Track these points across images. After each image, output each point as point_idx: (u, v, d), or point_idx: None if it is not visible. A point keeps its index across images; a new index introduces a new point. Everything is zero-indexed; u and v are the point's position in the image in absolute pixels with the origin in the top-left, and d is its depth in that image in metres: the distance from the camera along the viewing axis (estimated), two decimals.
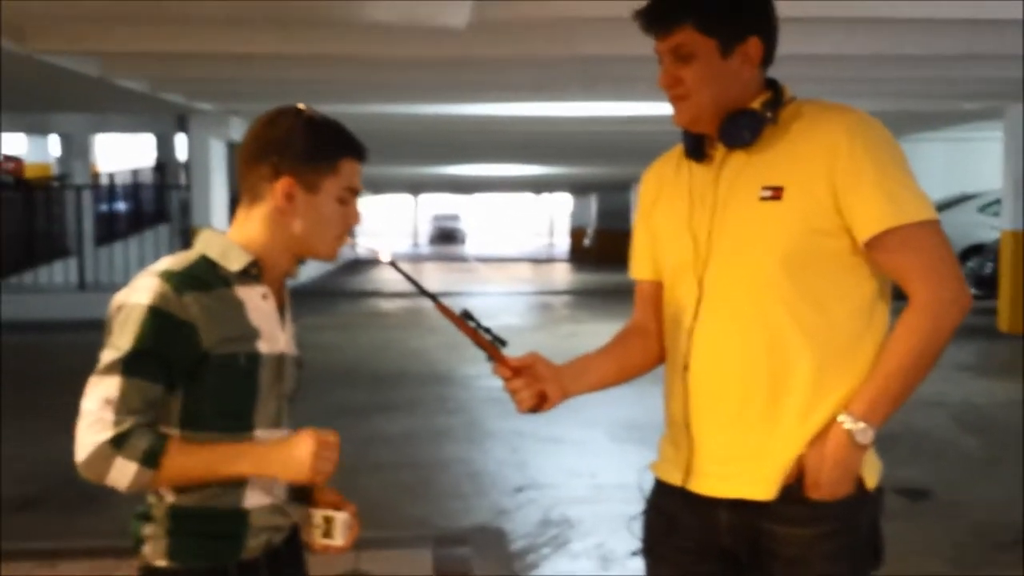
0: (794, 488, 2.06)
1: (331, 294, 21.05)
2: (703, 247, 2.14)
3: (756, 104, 2.12)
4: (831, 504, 2.05)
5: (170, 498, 2.00)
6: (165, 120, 17.18)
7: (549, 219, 58.50)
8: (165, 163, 20.42)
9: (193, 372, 1.95)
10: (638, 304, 2.38)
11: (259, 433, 2.03)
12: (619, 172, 28.12)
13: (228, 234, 2.08)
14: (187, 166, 16.99)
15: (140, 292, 1.94)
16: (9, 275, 16.04)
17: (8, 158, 21.50)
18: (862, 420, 2.01)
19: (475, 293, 20.78)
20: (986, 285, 14.39)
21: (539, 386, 2.18)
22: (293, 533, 2.16)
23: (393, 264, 2.24)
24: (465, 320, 2.13)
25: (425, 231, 56.14)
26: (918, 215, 2.02)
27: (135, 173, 20.79)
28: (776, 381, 2.07)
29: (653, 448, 2.32)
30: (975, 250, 15.62)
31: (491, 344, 2.15)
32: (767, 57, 2.15)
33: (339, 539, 2.15)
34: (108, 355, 1.93)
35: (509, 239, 59.12)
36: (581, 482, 6.41)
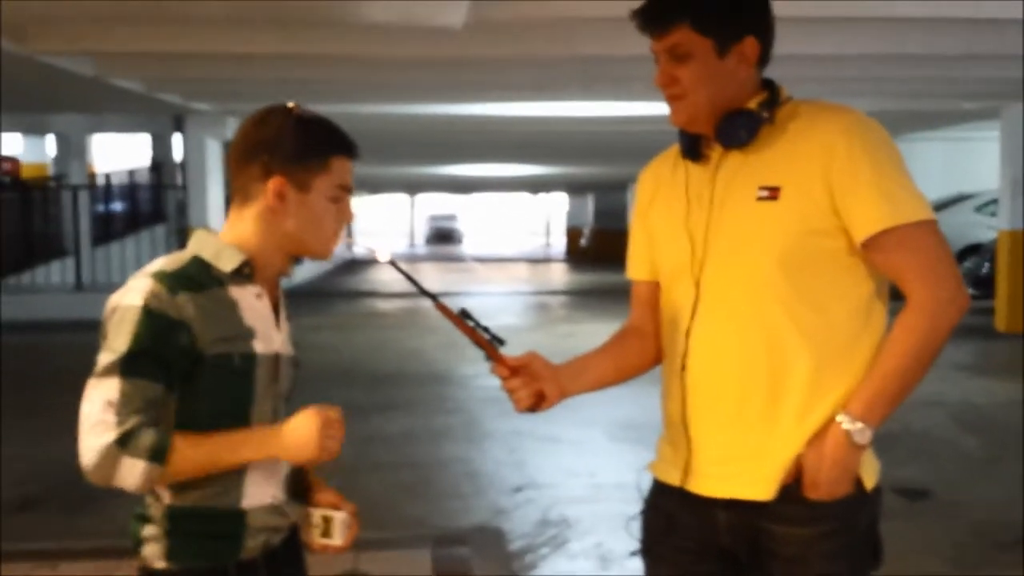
0: (793, 488, 2.06)
1: (328, 294, 21.04)
2: (700, 247, 2.14)
3: (753, 104, 2.12)
4: (830, 504, 2.05)
5: (168, 499, 2.00)
6: (162, 120, 17.19)
7: (546, 219, 58.49)
8: (162, 163, 20.40)
9: (188, 373, 1.94)
10: (635, 304, 2.38)
11: None
12: (616, 172, 28.13)
13: (221, 234, 2.08)
14: (184, 166, 16.98)
15: (134, 293, 1.94)
16: (6, 275, 16.03)
17: (5, 158, 21.47)
18: (860, 420, 2.01)
19: (472, 293, 20.77)
20: (983, 285, 14.40)
21: (537, 385, 2.18)
22: (292, 533, 2.16)
23: (392, 263, 2.24)
24: (463, 319, 2.13)
25: (422, 231, 56.13)
26: (915, 215, 2.02)
27: (132, 173, 20.78)
28: (774, 381, 2.07)
29: (651, 448, 2.32)
30: (972, 250, 15.63)
31: (489, 343, 2.15)
32: (763, 57, 2.15)
33: (338, 539, 2.15)
34: (105, 358, 1.92)
35: (506, 239, 59.14)
36: (579, 482, 6.41)
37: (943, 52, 9.70)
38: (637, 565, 2.32)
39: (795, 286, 2.06)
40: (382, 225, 58.13)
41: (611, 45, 8.66)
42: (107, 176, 20.69)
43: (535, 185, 43.39)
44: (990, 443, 7.49)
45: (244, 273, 2.03)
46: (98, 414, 1.89)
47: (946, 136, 18.62)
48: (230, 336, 1.99)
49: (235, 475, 2.01)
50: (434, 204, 58.14)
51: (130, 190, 20.30)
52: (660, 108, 2.28)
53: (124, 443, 1.88)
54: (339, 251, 36.10)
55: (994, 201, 15.48)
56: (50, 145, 21.81)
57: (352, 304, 18.98)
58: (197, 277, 1.99)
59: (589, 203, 39.90)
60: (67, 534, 5.39)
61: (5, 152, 22.01)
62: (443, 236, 52.88)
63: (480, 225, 62.63)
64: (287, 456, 1.98)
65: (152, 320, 1.91)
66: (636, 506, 2.32)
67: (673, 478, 2.20)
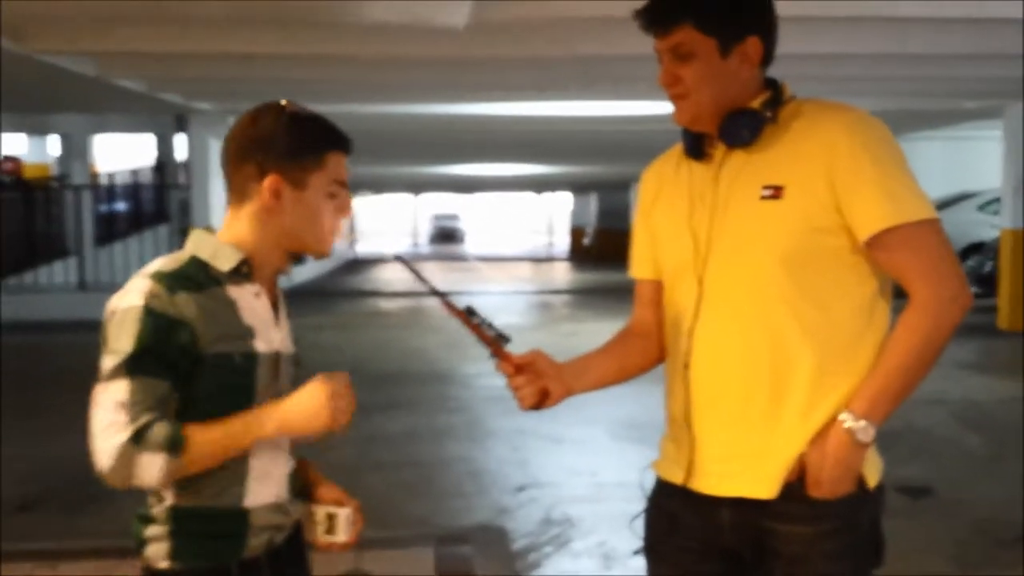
0: (795, 486, 2.06)
1: (331, 294, 21.06)
2: (703, 246, 2.14)
3: (756, 103, 2.12)
4: (832, 502, 2.05)
5: (171, 500, 1.99)
6: (164, 120, 17.19)
7: (549, 218, 58.47)
8: (164, 163, 20.42)
9: (189, 374, 1.94)
10: (638, 303, 2.38)
11: None
12: (619, 171, 28.13)
13: (218, 234, 2.07)
14: (186, 166, 17.01)
15: (133, 294, 1.94)
16: (9, 275, 16.05)
17: (7, 158, 21.50)
18: (863, 418, 2.01)
19: (475, 292, 20.78)
20: (986, 283, 14.39)
21: (541, 383, 2.19)
22: (295, 532, 2.16)
23: (400, 259, 2.24)
24: (469, 316, 2.13)
25: (425, 231, 56.13)
26: (918, 214, 2.02)
27: (135, 173, 20.80)
28: (777, 380, 2.07)
29: (654, 447, 2.32)
30: (975, 248, 15.63)
31: (494, 340, 2.15)
32: (767, 56, 2.15)
33: (342, 535, 2.15)
34: (109, 361, 1.91)
35: (509, 238, 59.14)
36: (582, 481, 6.41)
37: (945, 51, 9.71)
38: (640, 564, 2.32)
39: (798, 285, 2.06)
40: (385, 225, 58.11)
41: (612, 45, 8.67)
42: (110, 176, 20.70)
43: (538, 184, 43.40)
44: (992, 441, 7.49)
45: (242, 272, 2.03)
46: (109, 416, 1.88)
47: (948, 135, 18.61)
48: (230, 335, 1.99)
49: (237, 474, 2.01)
50: (437, 204, 58.13)
51: (133, 190, 20.32)
52: (662, 107, 2.29)
53: (138, 440, 1.87)
54: (342, 250, 36.16)
55: (996, 200, 15.47)
56: (53, 145, 21.84)
57: (355, 303, 18.99)
58: (195, 277, 1.98)
59: (592, 202, 39.90)
60: (68, 534, 5.40)
61: (8, 152, 22.04)
62: (446, 235, 52.89)
63: (483, 224, 62.63)
64: (300, 428, 1.97)
65: (153, 319, 1.91)
66: (639, 505, 2.32)
67: (676, 477, 2.20)
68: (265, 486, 2.05)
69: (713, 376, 2.13)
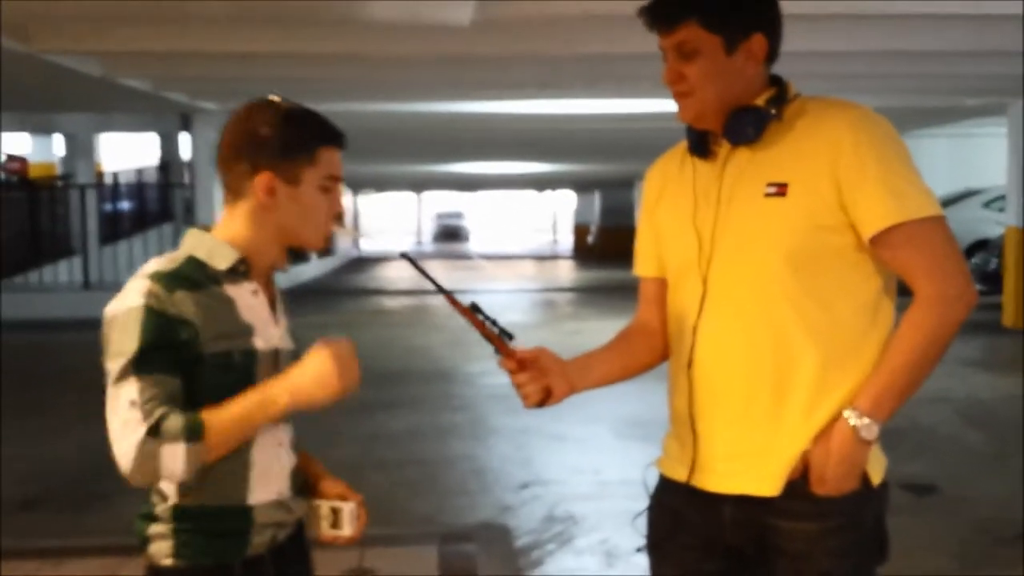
0: (799, 484, 2.06)
1: (335, 292, 21.08)
2: (707, 244, 2.14)
3: (760, 101, 2.11)
4: (836, 500, 2.05)
5: (174, 499, 1.99)
6: (169, 119, 17.22)
7: (553, 216, 58.49)
8: (169, 162, 20.45)
9: (190, 372, 1.93)
10: (642, 301, 2.38)
11: (261, 430, 2.01)
12: (622, 169, 28.12)
13: (214, 232, 2.07)
14: (191, 165, 17.03)
15: (131, 295, 1.93)
16: (14, 274, 16.09)
17: (13, 158, 21.54)
18: (867, 415, 2.01)
19: (479, 290, 20.77)
20: (991, 281, 14.36)
21: (545, 381, 2.18)
22: (298, 529, 2.16)
23: (406, 256, 2.24)
24: (474, 313, 2.13)
25: (429, 229, 56.15)
26: (923, 211, 2.02)
27: (139, 172, 20.83)
28: (781, 378, 2.07)
29: (657, 445, 2.32)
30: (980, 246, 15.61)
31: (498, 337, 2.15)
32: (771, 54, 2.14)
33: (347, 529, 2.15)
34: (116, 363, 1.90)
35: (513, 236, 59.14)
36: (585, 479, 6.42)
37: (947, 48, 9.70)
38: (643, 562, 2.32)
39: (802, 283, 2.06)
40: (389, 223, 58.13)
41: (616, 43, 8.67)
42: (115, 175, 20.74)
43: (541, 183, 43.40)
44: (996, 439, 7.48)
45: (239, 270, 2.03)
46: (123, 416, 1.88)
47: (953, 132, 18.60)
48: (229, 333, 1.98)
49: (240, 472, 2.01)
50: (441, 202, 58.14)
51: (138, 189, 20.36)
52: (666, 105, 2.29)
53: (156, 433, 1.86)
54: (346, 249, 36.19)
55: (1002, 197, 15.45)
56: (58, 144, 21.86)
57: (359, 302, 19.00)
58: (193, 276, 1.98)
59: (596, 200, 39.90)
60: (72, 532, 5.40)
61: (13, 151, 22.08)
62: (450, 234, 52.88)
63: (487, 223, 62.64)
64: (311, 397, 1.95)
65: (155, 317, 1.90)
66: (642, 502, 2.32)
67: (679, 474, 2.20)
68: (267, 483, 2.05)
69: (717, 374, 2.13)
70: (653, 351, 2.35)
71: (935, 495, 6.00)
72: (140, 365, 1.89)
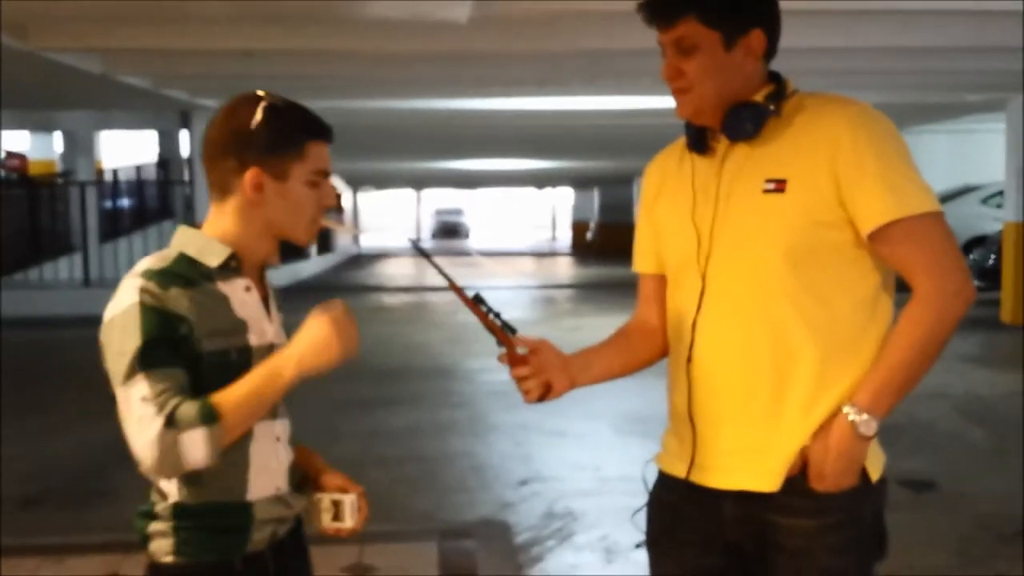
0: (798, 480, 2.06)
1: (334, 289, 21.05)
2: (706, 240, 2.14)
3: (759, 97, 2.11)
4: (835, 496, 2.05)
5: (174, 497, 1.99)
6: (168, 116, 17.22)
7: (551, 213, 58.49)
8: (168, 159, 20.42)
9: (190, 370, 1.93)
10: (641, 298, 2.39)
11: (257, 426, 2.01)
12: (621, 166, 28.14)
13: (204, 229, 2.06)
14: (190, 162, 17.01)
15: (126, 294, 1.93)
16: (14, 271, 16.10)
17: (12, 155, 21.54)
18: (866, 411, 2.01)
19: (479, 287, 20.71)
20: (989, 277, 14.37)
21: (545, 376, 2.19)
22: (297, 525, 2.16)
23: (413, 244, 2.24)
24: (477, 305, 2.14)
25: (428, 226, 56.14)
26: (921, 207, 2.02)
27: (139, 169, 20.82)
28: (780, 374, 2.07)
29: (657, 441, 2.32)
30: (978, 242, 15.62)
31: (501, 330, 2.15)
32: (770, 50, 2.14)
33: (349, 521, 2.16)
34: (121, 363, 1.89)
35: (512, 233, 59.14)
36: (585, 475, 6.43)
37: (947, 44, 9.71)
38: (642, 558, 2.32)
39: (801, 279, 2.06)
40: (389, 220, 58.12)
41: (615, 39, 8.67)
42: (114, 172, 20.72)
43: (540, 180, 43.41)
44: (995, 435, 7.49)
45: (231, 267, 2.02)
46: (137, 412, 1.86)
47: (952, 128, 18.60)
48: (224, 330, 1.98)
49: (238, 468, 2.00)
50: (440, 199, 58.13)
51: (137, 186, 20.35)
52: (665, 101, 2.29)
53: (172, 423, 1.84)
54: (346, 246, 36.19)
55: (1000, 193, 15.46)
56: (57, 142, 21.85)
57: (358, 298, 18.99)
58: (185, 274, 1.97)
59: (594, 197, 39.92)
60: (73, 529, 5.40)
61: (13, 149, 22.08)
62: (449, 231, 52.87)
63: (486, 219, 62.64)
64: (315, 364, 1.94)
65: (152, 313, 1.90)
66: (642, 499, 2.32)
67: (678, 470, 2.20)
68: (266, 479, 2.05)
69: (715, 370, 2.13)
70: (652, 348, 2.35)
71: (934, 491, 6.01)
72: (145, 361, 1.88)
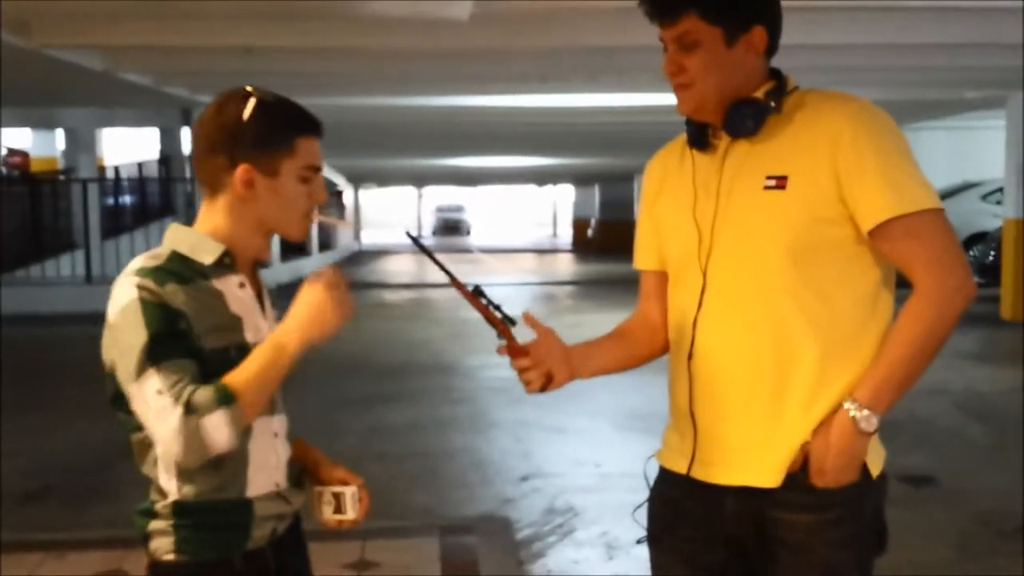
0: (799, 475, 2.07)
1: None
2: (707, 237, 2.14)
3: (760, 93, 2.12)
4: (836, 491, 2.06)
5: (174, 495, 1.99)
6: (170, 114, 17.25)
7: (552, 210, 58.49)
8: (170, 156, 20.44)
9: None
10: (643, 294, 2.39)
11: (255, 422, 2.01)
12: (622, 163, 28.14)
13: (195, 227, 2.06)
14: (192, 159, 17.01)
15: (125, 293, 1.92)
16: (16, 268, 16.12)
17: (14, 152, 21.56)
18: (867, 407, 2.02)
19: (480, 284, 20.77)
20: (989, 273, 14.38)
21: (546, 366, 2.19)
22: (296, 521, 2.17)
23: (413, 238, 2.25)
24: (477, 297, 2.14)
25: (429, 223, 56.14)
26: (922, 203, 2.02)
27: (140, 166, 20.84)
28: (781, 370, 2.07)
29: (658, 437, 2.33)
30: (978, 238, 15.62)
31: (501, 322, 2.16)
32: (771, 46, 2.15)
33: (351, 512, 2.16)
34: (129, 360, 1.89)
35: (513, 230, 59.13)
36: (586, 471, 6.43)
37: (947, 41, 9.71)
38: (643, 553, 2.33)
39: (801, 275, 2.06)
40: (390, 217, 58.11)
41: (615, 36, 8.67)
42: (116, 169, 20.74)
43: (541, 177, 43.40)
44: (994, 431, 7.50)
45: (225, 263, 2.02)
46: (154, 405, 1.86)
47: (951, 125, 18.60)
48: (221, 326, 1.98)
49: (238, 465, 2.00)
50: (441, 196, 58.12)
51: (139, 183, 20.36)
52: (665, 99, 2.30)
53: (191, 410, 1.85)
54: (347, 242, 36.18)
55: (1000, 189, 15.46)
56: (59, 139, 21.86)
57: (359, 295, 18.97)
58: (179, 271, 1.97)
59: (595, 194, 39.93)
60: (74, 525, 5.41)
61: (15, 146, 22.10)
62: (450, 227, 52.87)
63: (487, 217, 62.63)
64: (316, 332, 1.94)
65: (154, 308, 1.90)
66: (643, 495, 2.33)
67: (679, 466, 2.21)
68: (265, 475, 2.05)
69: (716, 366, 2.13)
70: (653, 344, 2.35)
71: (934, 487, 6.01)
72: (154, 354, 1.87)
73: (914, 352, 2.02)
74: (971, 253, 15.02)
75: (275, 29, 9.36)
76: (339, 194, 37.11)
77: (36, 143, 23.55)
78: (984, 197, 16.69)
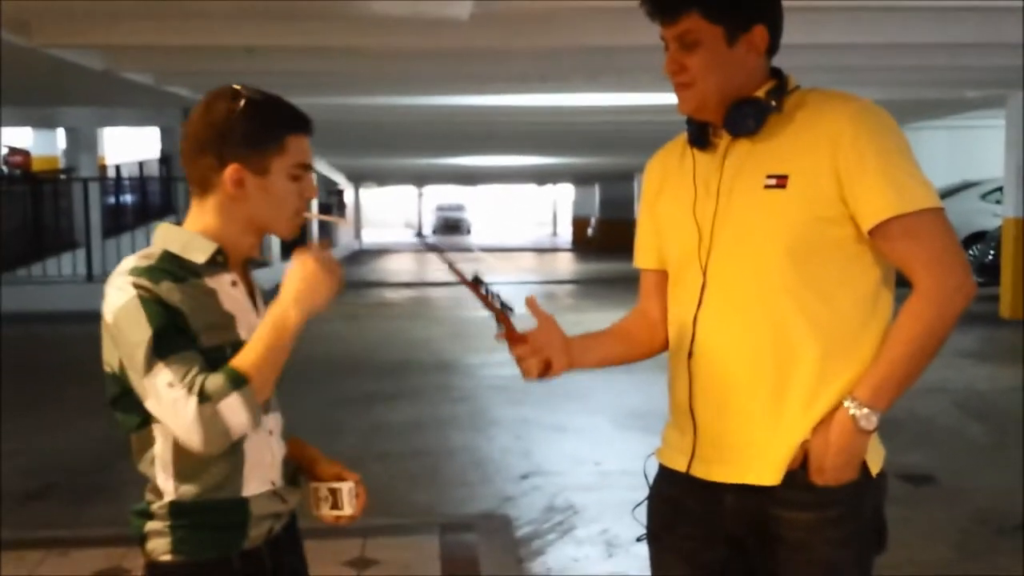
0: (799, 474, 2.07)
1: None
2: (707, 235, 2.15)
3: (761, 92, 2.12)
4: (835, 489, 2.06)
5: (170, 495, 1.99)
6: (170, 113, 17.26)
7: (552, 209, 58.47)
8: (171, 155, 20.45)
9: None
10: (643, 293, 2.39)
11: None
12: (622, 162, 28.13)
13: (186, 226, 2.06)
14: None
15: (121, 291, 1.92)
16: (17, 267, 16.13)
17: (16, 151, 21.56)
18: (867, 406, 2.02)
19: (478, 273, 20.77)
20: (988, 272, 14.39)
21: (544, 354, 2.19)
22: (292, 520, 2.17)
23: (419, 235, 2.25)
24: (476, 285, 2.15)
25: (429, 222, 56.12)
26: (922, 203, 2.02)
27: (141, 166, 20.85)
28: (781, 369, 2.08)
29: (657, 435, 2.33)
30: (977, 237, 15.62)
31: (500, 310, 2.16)
32: (772, 46, 2.15)
33: (348, 508, 2.16)
34: (136, 356, 1.88)
35: (513, 229, 59.11)
36: (586, 469, 6.44)
37: (947, 40, 9.71)
38: (643, 551, 2.33)
39: (802, 274, 2.06)
40: (390, 216, 58.10)
41: (615, 36, 8.67)
42: (117, 168, 20.76)
43: (541, 176, 43.37)
44: (994, 430, 7.51)
45: (218, 262, 2.02)
46: (168, 398, 1.86)
47: (951, 124, 18.60)
48: (216, 324, 1.98)
49: (233, 464, 2.00)
50: (442, 195, 58.09)
51: (140, 182, 20.38)
52: (666, 98, 2.31)
53: (205, 397, 1.85)
54: (348, 241, 36.17)
55: (999, 189, 15.46)
56: (60, 138, 21.87)
57: (360, 294, 19.00)
58: (172, 270, 1.97)
59: (595, 194, 39.93)
60: (76, 523, 5.42)
61: (16, 145, 22.11)
62: (451, 226, 52.83)
63: (487, 216, 62.61)
64: (313, 301, 1.95)
65: (153, 304, 1.90)
66: (642, 493, 2.33)
67: (679, 464, 2.21)
68: (260, 474, 2.05)
69: (716, 365, 2.14)
70: (652, 341, 2.36)
71: (933, 486, 6.02)
72: (161, 349, 1.87)
73: (914, 351, 2.02)
74: (970, 252, 15.02)
75: (275, 29, 9.37)
76: (340, 193, 37.12)
77: (37, 142, 23.56)
78: (983, 196, 16.69)
